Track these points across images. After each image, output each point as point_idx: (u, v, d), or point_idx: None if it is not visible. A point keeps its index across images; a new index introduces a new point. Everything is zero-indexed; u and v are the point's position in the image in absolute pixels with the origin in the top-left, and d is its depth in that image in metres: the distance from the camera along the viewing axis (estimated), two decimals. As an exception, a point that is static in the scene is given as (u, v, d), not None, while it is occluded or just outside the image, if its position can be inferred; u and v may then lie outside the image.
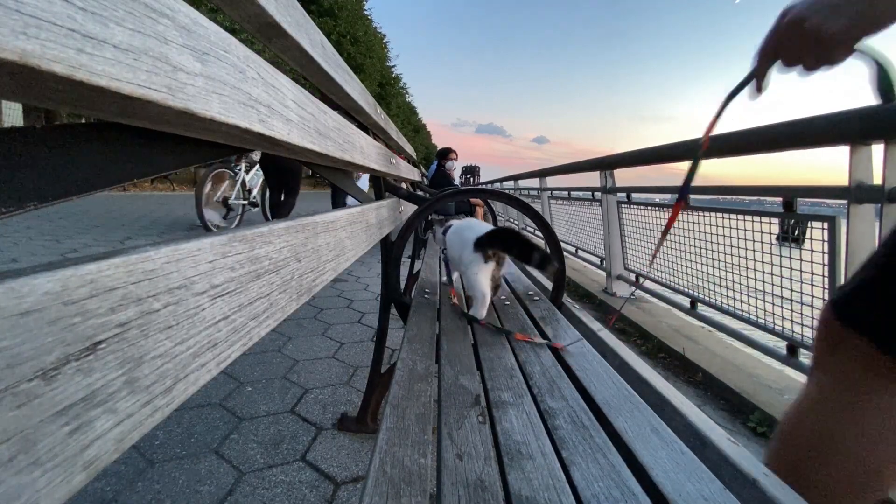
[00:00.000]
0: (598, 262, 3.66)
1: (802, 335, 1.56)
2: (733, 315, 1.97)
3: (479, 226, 1.05)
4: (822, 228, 1.43)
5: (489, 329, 0.89)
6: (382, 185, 1.43)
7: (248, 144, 0.45)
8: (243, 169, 4.46)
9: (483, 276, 0.96)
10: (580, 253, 4.21)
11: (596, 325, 0.94)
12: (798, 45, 0.53)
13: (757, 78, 0.59)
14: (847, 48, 0.52)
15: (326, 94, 0.82)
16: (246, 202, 4.51)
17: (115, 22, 0.22)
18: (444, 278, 1.28)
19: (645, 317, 2.50)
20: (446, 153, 4.97)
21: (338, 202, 3.79)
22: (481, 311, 0.95)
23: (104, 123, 0.31)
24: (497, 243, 0.96)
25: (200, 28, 0.30)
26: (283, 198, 3.50)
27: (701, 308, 2.26)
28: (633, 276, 3.02)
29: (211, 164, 4.13)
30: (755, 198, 2.12)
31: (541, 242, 1.07)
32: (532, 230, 6.35)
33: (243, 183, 4.46)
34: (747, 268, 1.88)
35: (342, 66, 0.79)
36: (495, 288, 1.03)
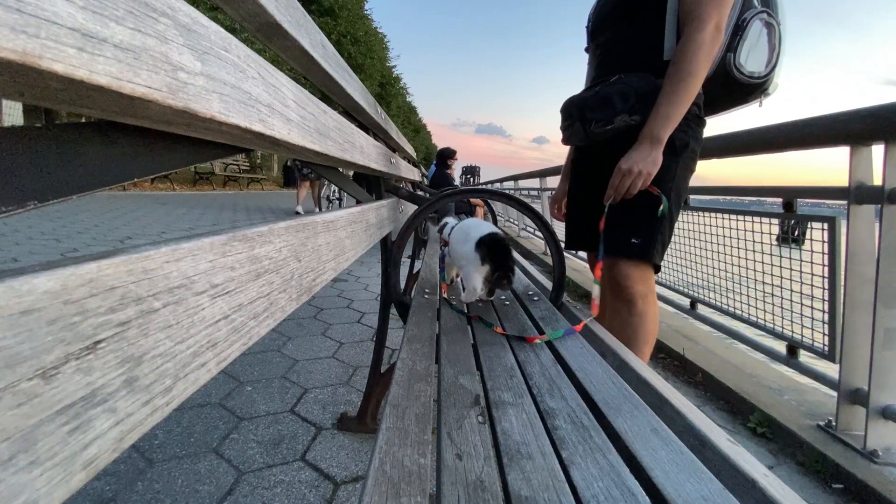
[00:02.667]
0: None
1: (802, 336, 1.56)
2: (733, 316, 1.97)
3: (483, 226, 1.09)
4: (822, 229, 1.43)
5: (481, 324, 0.92)
6: (382, 185, 1.43)
7: (248, 144, 0.45)
8: None
9: (477, 273, 1.03)
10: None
11: (596, 326, 0.94)
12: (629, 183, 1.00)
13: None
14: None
15: (327, 93, 0.82)
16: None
17: (116, 21, 0.22)
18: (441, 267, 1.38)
19: (645, 317, 2.50)
20: (449, 155, 4.94)
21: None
22: (468, 298, 1.05)
23: (105, 122, 0.31)
24: (493, 253, 1.01)
25: (200, 27, 0.30)
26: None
27: (701, 308, 2.26)
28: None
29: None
30: (755, 198, 2.13)
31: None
32: (532, 230, 6.35)
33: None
34: (747, 268, 1.88)
35: (342, 66, 0.79)
36: (492, 287, 1.08)
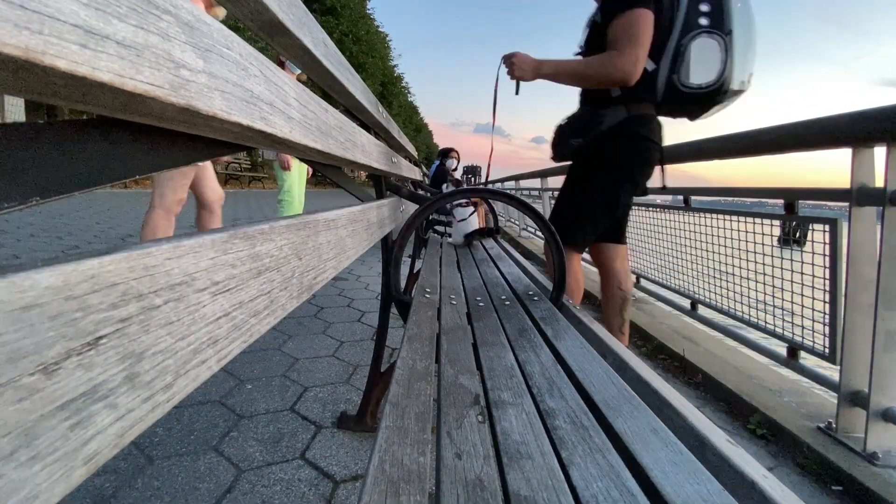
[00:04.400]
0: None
1: (803, 337, 1.56)
2: (734, 317, 1.97)
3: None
4: (824, 231, 1.43)
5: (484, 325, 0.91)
6: (383, 184, 1.43)
7: (250, 142, 0.45)
8: None
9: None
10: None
11: (597, 326, 0.94)
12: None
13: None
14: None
15: (329, 92, 0.82)
16: None
17: (118, 18, 0.22)
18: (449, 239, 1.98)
19: (645, 318, 2.50)
20: (447, 152, 5.05)
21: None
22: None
23: (107, 119, 0.31)
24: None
25: (203, 25, 0.30)
26: None
27: (701, 309, 2.26)
28: (633, 277, 3.02)
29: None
30: (756, 199, 2.12)
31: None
32: (533, 230, 6.35)
33: None
34: (748, 269, 1.88)
35: (344, 65, 0.79)
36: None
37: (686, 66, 1.29)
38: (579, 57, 1.43)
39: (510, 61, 1.40)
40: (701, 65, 1.28)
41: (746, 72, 1.29)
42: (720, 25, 1.28)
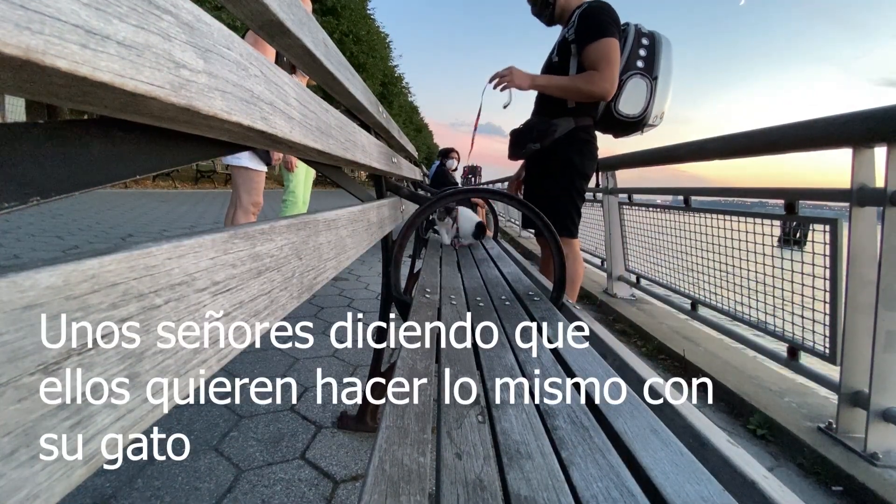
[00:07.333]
0: (599, 263, 3.66)
1: (803, 338, 1.56)
2: (734, 317, 1.97)
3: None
4: (824, 231, 1.42)
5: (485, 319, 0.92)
6: (384, 184, 1.43)
7: (250, 142, 0.45)
8: None
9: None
10: (581, 254, 4.20)
11: (597, 326, 0.94)
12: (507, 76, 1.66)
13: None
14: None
15: (329, 92, 0.82)
16: None
17: (119, 18, 0.22)
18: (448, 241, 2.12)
19: (645, 318, 2.50)
20: (448, 152, 5.05)
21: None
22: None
23: (107, 119, 0.31)
24: None
25: (203, 25, 0.30)
26: None
27: (702, 310, 2.25)
28: (633, 278, 3.01)
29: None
30: (757, 200, 2.12)
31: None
32: (533, 230, 6.34)
33: None
34: (748, 270, 1.88)
35: (344, 65, 0.79)
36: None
37: (621, 98, 1.65)
38: (557, 59, 1.74)
39: (508, 71, 1.64)
40: (632, 99, 1.65)
41: (659, 111, 1.68)
42: (650, 71, 1.64)
